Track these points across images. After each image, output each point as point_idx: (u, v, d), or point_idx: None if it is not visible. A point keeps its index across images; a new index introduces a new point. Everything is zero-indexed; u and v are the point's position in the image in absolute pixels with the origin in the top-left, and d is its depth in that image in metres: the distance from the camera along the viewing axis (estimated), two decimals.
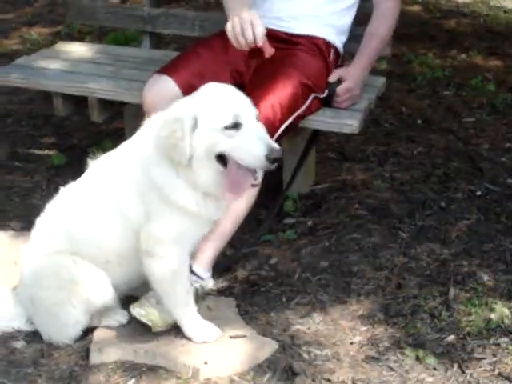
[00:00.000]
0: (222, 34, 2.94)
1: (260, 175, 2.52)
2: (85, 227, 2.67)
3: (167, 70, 3.14)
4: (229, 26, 2.83)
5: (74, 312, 2.70)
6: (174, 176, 2.50)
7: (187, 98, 2.58)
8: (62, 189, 2.80)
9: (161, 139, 2.48)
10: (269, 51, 2.84)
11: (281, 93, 3.01)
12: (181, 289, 2.66)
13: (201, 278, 2.85)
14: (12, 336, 2.83)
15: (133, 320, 2.74)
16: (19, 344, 2.80)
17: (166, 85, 3.07)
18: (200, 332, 2.69)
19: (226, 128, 2.40)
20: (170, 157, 2.47)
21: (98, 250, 2.66)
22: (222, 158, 2.45)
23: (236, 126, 2.40)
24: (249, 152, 2.38)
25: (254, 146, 2.38)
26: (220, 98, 2.48)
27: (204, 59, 3.11)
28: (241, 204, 2.84)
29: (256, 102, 2.91)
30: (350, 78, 3.23)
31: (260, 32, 2.78)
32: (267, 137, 2.42)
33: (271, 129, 2.93)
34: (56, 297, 2.69)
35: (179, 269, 2.63)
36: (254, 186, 2.51)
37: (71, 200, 2.74)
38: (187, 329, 2.69)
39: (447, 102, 4.71)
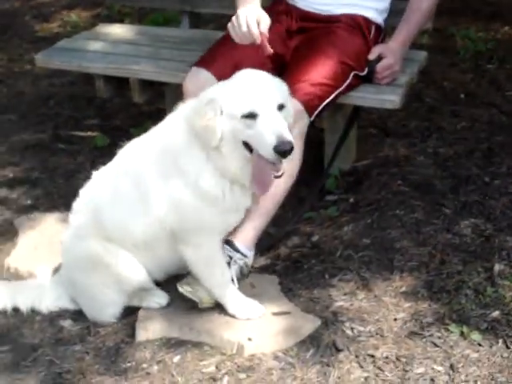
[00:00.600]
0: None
1: (282, 167, 2.51)
2: (111, 212, 2.71)
3: (205, 63, 3.14)
4: (231, 22, 2.87)
5: (109, 293, 2.77)
6: (204, 161, 2.53)
7: (221, 83, 2.60)
8: (94, 173, 2.84)
9: (193, 121, 2.50)
10: (266, 51, 2.84)
11: (320, 72, 3.00)
12: (217, 271, 2.70)
13: (244, 256, 2.86)
14: (59, 315, 2.90)
15: (178, 297, 2.77)
16: (66, 322, 2.86)
17: (205, 78, 3.06)
18: (243, 309, 2.71)
19: (244, 117, 2.42)
20: (201, 138, 2.49)
21: (124, 234, 2.69)
22: (248, 146, 2.47)
23: (252, 115, 2.42)
24: (261, 142, 2.41)
25: (265, 136, 2.39)
26: (243, 86, 2.50)
27: (240, 48, 3.04)
28: (281, 182, 2.84)
29: (296, 82, 2.92)
30: (390, 54, 3.19)
31: (254, 30, 2.79)
32: (281, 129, 2.41)
33: (310, 107, 2.93)
34: (91, 279, 2.75)
35: (213, 254, 2.67)
36: (276, 177, 2.52)
37: (100, 184, 2.80)
38: (230, 306, 2.71)
39: (490, 75, 4.63)
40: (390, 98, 3.16)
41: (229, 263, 2.76)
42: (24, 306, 2.90)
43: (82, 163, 4.05)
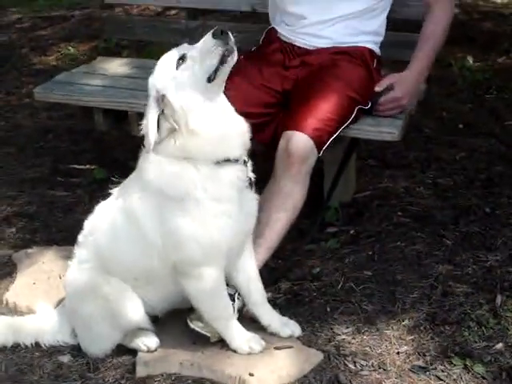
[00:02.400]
0: (253, 57, 2.95)
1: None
2: (110, 247, 2.67)
3: None
4: None
5: (105, 326, 2.73)
6: (192, 170, 2.49)
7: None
8: (97, 205, 2.82)
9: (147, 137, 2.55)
10: None
11: (327, 107, 2.98)
12: (220, 303, 2.66)
13: None
14: (58, 350, 2.86)
15: (178, 332, 2.76)
16: (65, 358, 2.82)
17: None
18: (244, 344, 2.68)
19: (178, 64, 2.47)
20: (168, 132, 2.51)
21: (125, 268, 2.67)
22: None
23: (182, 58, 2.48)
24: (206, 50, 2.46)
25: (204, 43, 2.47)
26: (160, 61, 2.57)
27: (241, 88, 3.03)
28: (284, 216, 2.83)
29: (303, 118, 2.92)
30: (399, 86, 3.15)
31: None
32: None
33: (320, 143, 2.93)
34: (89, 309, 2.72)
35: (215, 286, 2.62)
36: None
37: (100, 218, 2.76)
38: (231, 341, 2.68)
39: (488, 105, 4.65)
40: (389, 131, 3.14)
41: (232, 297, 2.73)
42: (27, 342, 2.86)
43: (80, 196, 4.04)
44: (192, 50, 2.50)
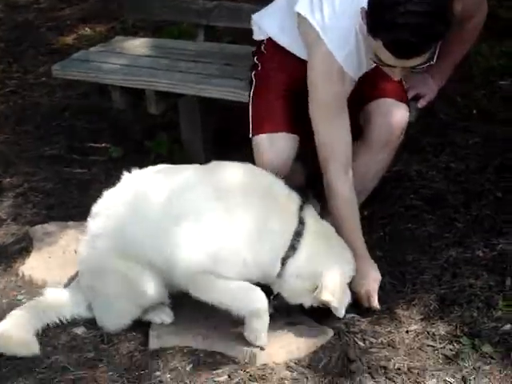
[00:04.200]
0: (273, 64, 2.99)
1: None
2: (136, 236, 2.67)
3: (275, 126, 2.94)
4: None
5: (126, 304, 2.77)
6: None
7: None
8: (121, 179, 2.86)
9: None
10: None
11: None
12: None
13: None
14: (73, 322, 2.90)
15: (191, 308, 2.78)
16: (80, 330, 2.87)
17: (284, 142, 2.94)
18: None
19: None
20: None
21: (142, 253, 2.68)
22: None
23: None
24: None
25: None
26: None
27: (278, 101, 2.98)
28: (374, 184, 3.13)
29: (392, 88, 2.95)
30: (431, 92, 3.16)
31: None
32: None
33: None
34: (108, 288, 2.76)
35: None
36: None
37: (126, 202, 2.77)
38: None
39: (503, 91, 4.64)
40: None
41: None
42: (51, 322, 2.88)
43: (96, 174, 4.08)
44: None
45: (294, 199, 2.72)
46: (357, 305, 2.80)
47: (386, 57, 2.49)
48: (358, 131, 2.96)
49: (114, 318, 2.83)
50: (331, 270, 2.61)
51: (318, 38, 2.70)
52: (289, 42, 2.93)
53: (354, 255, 2.75)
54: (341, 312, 2.66)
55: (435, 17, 2.40)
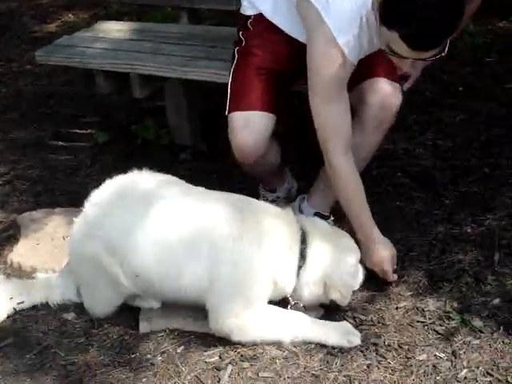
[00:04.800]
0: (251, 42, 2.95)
1: None
2: (144, 260, 2.65)
3: (251, 105, 2.90)
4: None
5: (108, 293, 2.77)
6: None
7: None
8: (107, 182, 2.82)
9: None
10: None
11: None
12: None
13: None
14: (63, 308, 2.90)
15: None
16: (70, 315, 2.87)
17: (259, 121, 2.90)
18: None
19: None
20: None
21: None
22: None
23: None
24: None
25: None
26: None
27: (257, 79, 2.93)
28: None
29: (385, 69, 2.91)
30: (415, 71, 3.09)
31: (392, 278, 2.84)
32: None
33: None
34: (94, 276, 2.75)
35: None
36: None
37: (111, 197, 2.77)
38: None
39: (489, 68, 4.64)
40: None
41: None
42: (38, 301, 2.90)
43: (82, 160, 4.07)
44: None
45: (288, 212, 2.76)
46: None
47: (401, 49, 2.45)
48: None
49: (99, 304, 2.82)
50: (337, 267, 2.65)
51: (320, 19, 2.63)
52: (282, 20, 2.88)
53: (364, 234, 2.81)
54: (346, 302, 2.70)
55: (453, 10, 2.37)
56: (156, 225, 2.62)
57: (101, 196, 2.79)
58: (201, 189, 2.79)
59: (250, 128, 2.86)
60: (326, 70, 2.67)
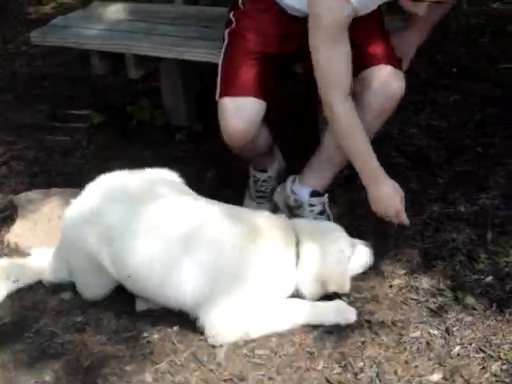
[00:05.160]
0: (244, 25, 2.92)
1: None
2: (141, 271, 2.65)
3: (242, 90, 2.86)
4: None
5: (97, 278, 2.78)
6: None
7: None
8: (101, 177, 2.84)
9: None
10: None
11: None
12: None
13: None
14: (59, 288, 2.91)
15: None
16: (67, 295, 2.89)
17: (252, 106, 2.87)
18: None
19: None
20: None
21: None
22: None
23: None
24: None
25: None
26: None
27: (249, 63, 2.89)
28: None
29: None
30: (410, 51, 3.10)
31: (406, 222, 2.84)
32: None
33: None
34: (85, 261, 2.76)
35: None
36: None
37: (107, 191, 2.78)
38: None
39: (483, 49, 4.65)
40: None
41: None
42: (32, 280, 2.92)
43: (78, 141, 4.08)
44: None
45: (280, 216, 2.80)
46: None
47: None
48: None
49: (91, 288, 2.84)
50: (323, 262, 2.64)
51: None
52: None
53: (370, 176, 2.83)
54: (347, 289, 2.70)
55: None
56: (149, 228, 2.63)
57: (103, 185, 2.82)
58: (193, 195, 2.82)
59: (240, 115, 2.83)
60: (327, 12, 2.58)
